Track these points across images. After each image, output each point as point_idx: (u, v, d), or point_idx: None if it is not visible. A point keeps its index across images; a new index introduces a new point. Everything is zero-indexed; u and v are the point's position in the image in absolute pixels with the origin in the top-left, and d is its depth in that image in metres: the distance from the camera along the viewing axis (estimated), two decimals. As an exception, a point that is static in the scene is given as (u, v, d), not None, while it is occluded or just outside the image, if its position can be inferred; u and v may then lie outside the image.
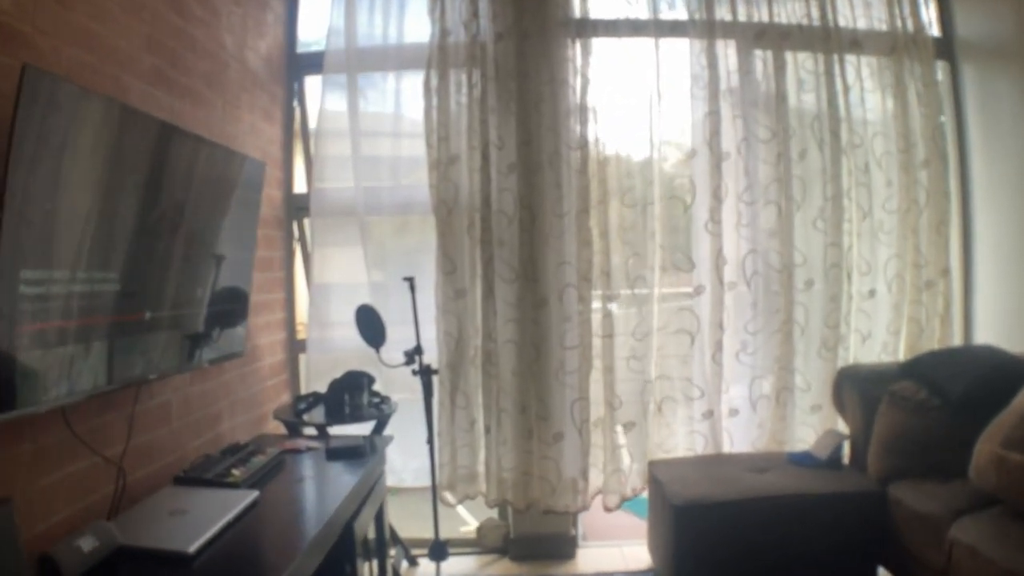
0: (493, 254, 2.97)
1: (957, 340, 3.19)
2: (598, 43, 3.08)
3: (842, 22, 3.16)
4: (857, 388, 2.76)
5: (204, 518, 1.70)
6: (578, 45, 3.03)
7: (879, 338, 3.14)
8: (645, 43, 3.08)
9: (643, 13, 3.08)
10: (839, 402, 2.88)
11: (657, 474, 2.73)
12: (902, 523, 2.33)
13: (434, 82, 2.98)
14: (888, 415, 2.59)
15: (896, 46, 3.18)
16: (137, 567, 1.53)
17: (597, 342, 3.01)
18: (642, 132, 3.08)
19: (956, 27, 3.31)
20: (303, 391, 3.18)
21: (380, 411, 2.77)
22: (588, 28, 3.02)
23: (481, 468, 3.04)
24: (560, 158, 2.99)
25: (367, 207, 3.10)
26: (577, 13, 3.03)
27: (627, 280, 3.05)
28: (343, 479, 2.14)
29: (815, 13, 3.14)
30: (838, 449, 2.72)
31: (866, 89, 3.20)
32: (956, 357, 2.71)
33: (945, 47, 3.32)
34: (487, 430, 3.00)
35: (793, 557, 2.40)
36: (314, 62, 3.17)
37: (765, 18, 3.12)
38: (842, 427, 2.95)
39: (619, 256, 3.06)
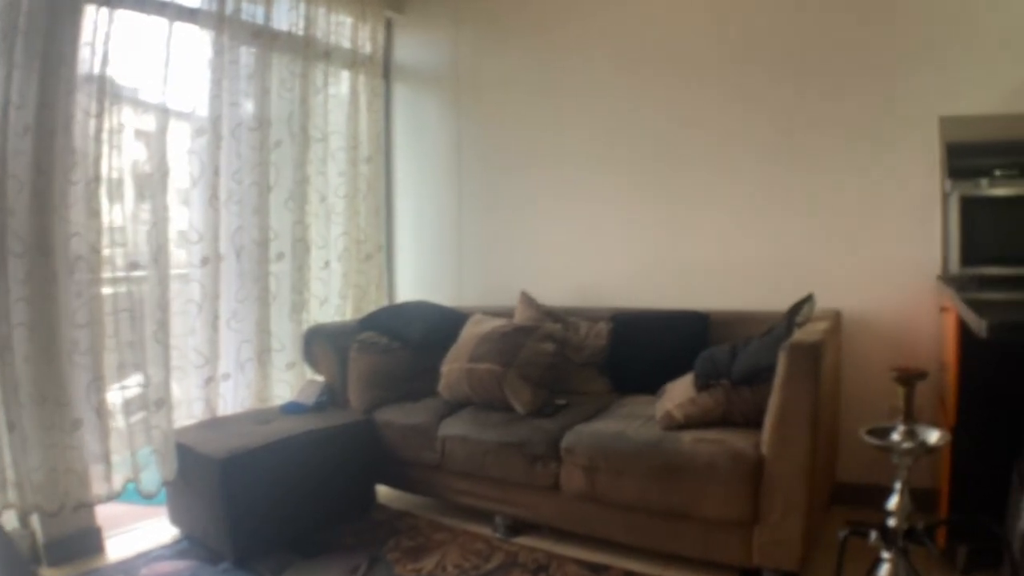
0: (6, 224, 3.00)
1: (388, 300, 4.64)
2: (123, 15, 3.34)
3: (319, 35, 4.17)
4: (329, 343, 3.88)
5: None
6: (104, 12, 3.24)
7: (333, 302, 4.32)
8: (164, 23, 3.50)
9: (165, -6, 3.48)
10: (311, 357, 3.96)
11: (184, 441, 3.27)
12: (396, 438, 3.50)
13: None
14: (360, 360, 3.77)
15: (356, 62, 4.36)
16: None
17: (112, 319, 3.28)
18: (157, 107, 3.49)
19: (396, 53, 4.64)
20: None
21: None
22: (114, -2, 3.27)
23: (10, 474, 2.95)
24: (75, 123, 3.19)
25: None
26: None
27: (148, 252, 3.38)
28: None
29: (301, 23, 4.07)
30: (322, 394, 3.77)
31: (331, 94, 4.28)
32: (406, 310, 4.10)
33: (386, 67, 4.63)
34: (11, 427, 2.94)
35: (314, 488, 3.29)
36: None
37: (262, 20, 3.88)
38: (317, 378, 3.98)
39: (132, 227, 3.43)
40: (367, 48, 4.44)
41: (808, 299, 2.99)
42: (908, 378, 2.06)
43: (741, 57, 3.70)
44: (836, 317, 3.33)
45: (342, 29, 4.34)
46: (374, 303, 4.47)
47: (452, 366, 3.56)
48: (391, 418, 3.58)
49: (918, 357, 3.27)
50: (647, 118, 3.95)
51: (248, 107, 3.85)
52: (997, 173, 2.83)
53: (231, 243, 3.80)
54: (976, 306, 1.84)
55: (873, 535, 2.13)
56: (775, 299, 3.36)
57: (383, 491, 3.72)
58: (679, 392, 3.01)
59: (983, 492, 2.56)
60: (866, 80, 3.44)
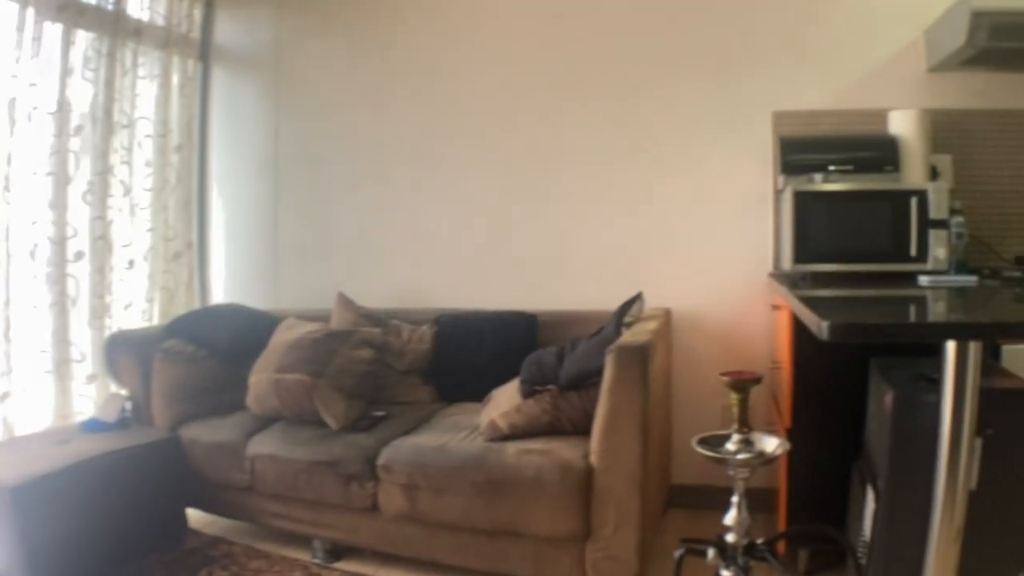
0: None
1: (200, 303, 4.19)
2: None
3: (131, 11, 3.72)
4: (131, 352, 3.44)
5: None
6: None
7: (138, 306, 3.87)
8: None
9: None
10: (113, 367, 3.50)
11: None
12: (203, 458, 3.14)
13: None
14: (164, 371, 3.36)
15: (169, 41, 3.91)
16: None
17: None
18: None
19: (215, 34, 4.21)
20: None
21: None
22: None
23: None
24: None
25: None
26: None
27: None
28: None
29: (112, -4, 3.60)
30: (123, 410, 3.33)
31: (140, 76, 3.82)
32: (214, 315, 3.70)
33: (204, 49, 4.19)
34: None
35: (119, 515, 2.90)
36: None
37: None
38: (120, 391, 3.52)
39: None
40: (183, 27, 4.00)
41: (637, 297, 2.87)
42: (741, 384, 1.93)
43: (575, 50, 3.56)
44: (666, 316, 3.23)
45: (157, 5, 3.87)
46: (183, 307, 4.04)
47: (260, 376, 3.22)
48: (197, 435, 3.22)
49: (751, 355, 3.24)
50: (474, 111, 3.73)
51: (47, 88, 3.36)
52: (831, 168, 2.79)
53: (23, 241, 3.33)
54: (813, 305, 1.73)
55: (711, 553, 2.00)
56: (606, 298, 3.20)
57: (196, 516, 3.34)
58: (505, 400, 2.81)
59: (821, 491, 2.51)
60: (703, 76, 3.37)
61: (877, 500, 2.05)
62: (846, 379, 2.46)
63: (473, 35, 3.74)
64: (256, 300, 3.97)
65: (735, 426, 1.96)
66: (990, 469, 1.80)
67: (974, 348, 1.50)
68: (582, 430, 2.60)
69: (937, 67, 3.12)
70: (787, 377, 2.57)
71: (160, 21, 3.89)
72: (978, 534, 1.65)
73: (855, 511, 2.27)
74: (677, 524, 3.19)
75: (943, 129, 3.17)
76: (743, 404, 1.94)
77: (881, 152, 2.85)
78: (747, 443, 1.97)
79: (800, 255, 2.73)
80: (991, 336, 1.72)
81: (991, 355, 2.06)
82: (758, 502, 3.08)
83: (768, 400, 3.12)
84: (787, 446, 1.99)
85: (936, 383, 1.58)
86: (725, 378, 1.95)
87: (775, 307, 2.94)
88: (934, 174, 3.04)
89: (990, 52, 2.81)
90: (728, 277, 3.35)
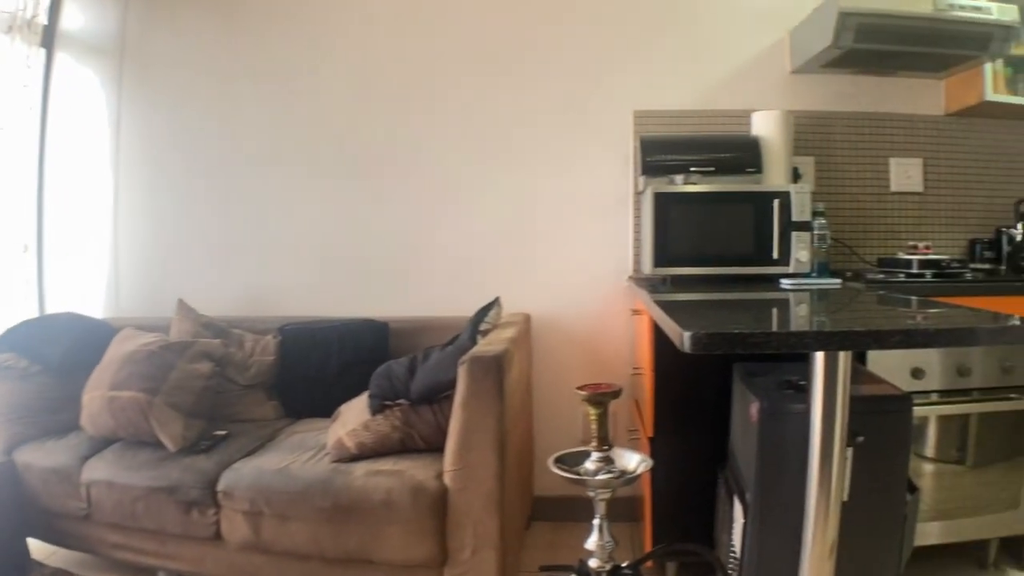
0: None
1: (39, 312, 3.76)
2: None
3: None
4: None
5: None
6: None
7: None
8: None
9: None
10: None
11: None
12: (39, 484, 2.81)
13: None
14: None
15: (14, 25, 3.47)
16: None
17: None
18: None
19: (62, 19, 3.78)
20: None
21: None
22: None
23: None
24: None
25: None
26: None
27: None
28: None
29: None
30: None
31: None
32: (48, 325, 3.30)
33: (51, 34, 3.76)
34: None
35: None
36: None
37: None
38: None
39: None
40: (28, 11, 3.55)
41: (494, 303, 2.71)
42: (599, 398, 1.79)
43: (430, 46, 3.37)
44: (526, 321, 3.09)
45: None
46: (17, 316, 3.59)
47: (93, 394, 2.89)
48: (31, 460, 2.88)
49: (614, 361, 3.16)
50: (324, 109, 3.48)
51: None
52: (692, 170, 2.72)
53: None
54: (672, 310, 1.60)
55: (573, 581, 1.85)
56: (463, 303, 3.07)
57: (39, 546, 2.99)
58: (353, 416, 2.60)
59: (687, 500, 2.42)
60: (563, 74, 3.26)
61: (746, 514, 1.96)
62: (709, 384, 2.38)
63: (323, 30, 3.50)
64: (96, 308, 3.61)
65: (594, 443, 1.82)
66: (861, 478, 1.73)
67: (844, 357, 1.42)
68: (436, 447, 2.42)
69: (802, 68, 3.11)
70: (648, 383, 2.47)
71: (7, 5, 3.45)
72: (850, 546, 1.60)
73: (724, 522, 2.19)
74: (542, 539, 3.08)
75: (807, 131, 3.18)
76: (602, 419, 1.81)
77: (743, 153, 2.80)
78: (607, 461, 1.84)
79: (660, 258, 2.65)
80: (863, 345, 1.65)
81: (857, 358, 2.01)
82: (624, 511, 3.01)
83: (631, 406, 3.03)
84: (649, 463, 1.88)
85: (803, 390, 1.49)
86: (582, 392, 1.80)
87: (635, 312, 2.84)
88: (797, 176, 3.02)
89: (855, 54, 2.83)
90: (589, 281, 3.25)
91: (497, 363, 2.26)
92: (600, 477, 1.80)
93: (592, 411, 1.81)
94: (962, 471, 2.50)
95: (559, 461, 1.88)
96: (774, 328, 1.49)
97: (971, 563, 2.65)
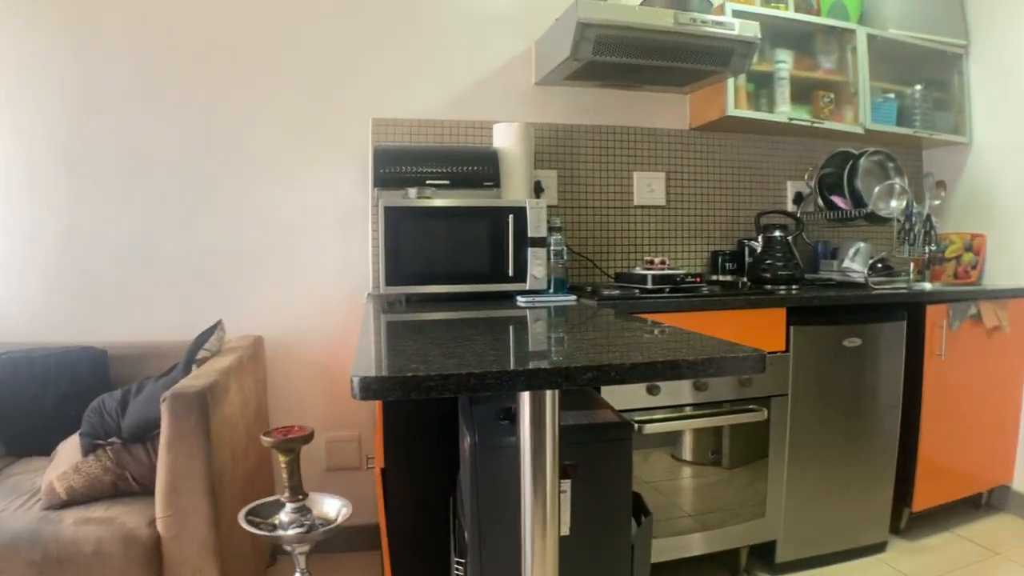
0: None
1: None
2: None
3: None
4: None
5: None
6: None
7: None
8: None
9: None
10: None
11: None
12: None
13: None
14: None
15: None
16: None
17: None
18: None
19: None
20: None
21: None
22: None
23: None
24: None
25: None
26: None
27: None
28: None
29: None
30: None
31: None
32: None
33: None
34: None
35: None
36: None
37: None
38: None
39: None
40: None
41: (215, 327, 2.45)
42: (288, 445, 1.61)
43: (153, 43, 2.98)
44: (255, 345, 2.83)
45: None
46: None
47: None
48: None
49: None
50: (38, 108, 2.95)
51: None
52: (428, 183, 2.59)
53: None
54: (393, 335, 1.45)
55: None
56: (191, 325, 2.79)
57: None
58: (65, 457, 2.27)
59: (424, 529, 2.27)
60: (298, 78, 3.00)
61: (464, 553, 1.84)
62: (440, 410, 2.25)
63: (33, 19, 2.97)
64: None
65: (286, 494, 1.64)
66: (583, 509, 1.66)
67: (550, 395, 1.33)
68: (151, 489, 2.15)
69: (545, 80, 3.06)
70: (379, 412, 2.31)
71: None
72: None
73: (459, 545, 2.07)
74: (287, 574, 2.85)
75: (551, 144, 3.13)
76: (293, 466, 1.63)
77: (480, 166, 2.69)
78: (303, 511, 1.66)
79: (394, 276, 2.48)
80: (552, 385, 1.58)
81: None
82: (364, 539, 2.86)
83: (372, 434, 2.86)
84: (349, 510, 1.72)
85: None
86: (268, 439, 1.61)
87: (371, 333, 2.67)
88: (539, 190, 2.98)
89: (597, 66, 2.79)
90: (328, 299, 3.03)
91: (200, 400, 2.02)
92: (293, 531, 1.62)
93: (282, 458, 1.62)
94: (715, 480, 2.58)
95: (252, 513, 1.67)
96: (461, 368, 1.37)
97: (724, 570, 2.75)
